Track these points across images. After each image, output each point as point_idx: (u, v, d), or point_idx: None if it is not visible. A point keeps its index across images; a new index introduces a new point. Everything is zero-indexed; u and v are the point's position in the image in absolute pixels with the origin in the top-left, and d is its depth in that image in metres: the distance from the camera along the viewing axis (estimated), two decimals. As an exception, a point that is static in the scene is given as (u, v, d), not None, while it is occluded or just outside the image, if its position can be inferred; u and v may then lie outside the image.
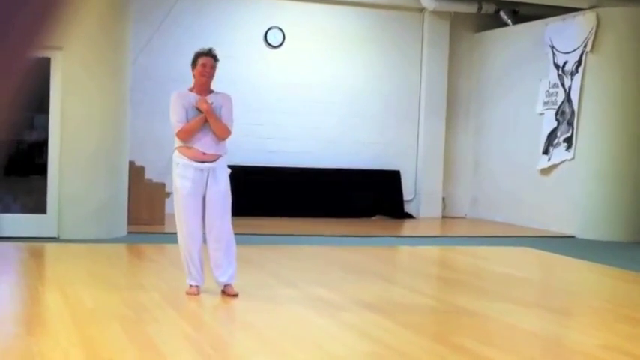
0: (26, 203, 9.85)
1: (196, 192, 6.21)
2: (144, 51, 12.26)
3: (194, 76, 6.37)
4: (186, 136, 6.23)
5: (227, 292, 6.40)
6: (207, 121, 6.24)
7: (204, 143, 6.23)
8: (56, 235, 9.48)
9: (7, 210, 9.65)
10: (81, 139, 9.50)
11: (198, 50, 6.44)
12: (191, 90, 6.40)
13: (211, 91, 6.40)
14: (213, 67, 6.34)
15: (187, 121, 6.24)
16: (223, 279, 6.39)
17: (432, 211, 14.20)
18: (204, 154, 6.23)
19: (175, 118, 6.28)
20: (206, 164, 6.22)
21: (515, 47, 13.61)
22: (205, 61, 6.31)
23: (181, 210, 6.24)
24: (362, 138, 13.82)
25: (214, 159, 6.26)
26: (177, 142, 6.30)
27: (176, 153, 6.30)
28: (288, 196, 13.07)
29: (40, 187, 9.57)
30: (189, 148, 6.23)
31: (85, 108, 9.51)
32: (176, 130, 6.27)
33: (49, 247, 9.04)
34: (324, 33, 13.57)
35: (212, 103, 6.29)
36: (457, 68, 14.45)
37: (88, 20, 9.35)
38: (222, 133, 6.28)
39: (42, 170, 9.56)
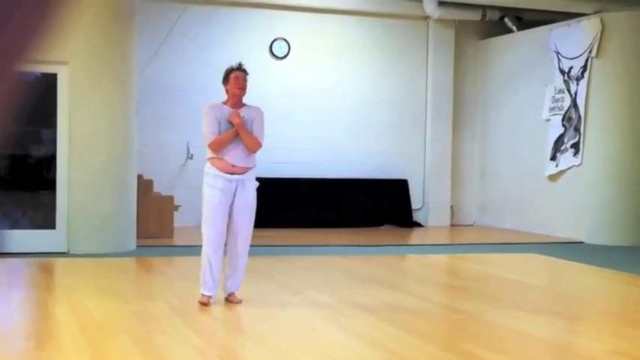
0: (35, 218, 9.88)
1: (225, 201, 6.39)
2: (150, 62, 12.31)
3: (227, 90, 6.59)
4: (218, 147, 6.41)
5: (231, 300, 6.56)
6: (238, 134, 6.42)
7: (234, 155, 6.42)
8: (66, 250, 9.50)
9: (16, 226, 9.68)
10: (89, 153, 9.53)
11: (229, 66, 6.65)
12: (224, 103, 6.59)
13: (243, 105, 6.60)
14: (245, 80, 6.58)
15: (219, 133, 6.42)
16: (233, 288, 6.57)
17: (440, 219, 14.20)
18: (233, 166, 6.41)
19: (208, 129, 6.46)
20: (235, 176, 6.41)
21: (521, 53, 13.61)
22: (238, 74, 6.56)
23: (209, 219, 6.41)
24: (369, 147, 13.83)
25: (243, 171, 6.45)
26: (210, 153, 6.48)
27: (208, 164, 6.49)
28: (295, 207, 13.08)
29: (48, 202, 9.60)
30: (220, 159, 6.41)
31: (93, 121, 9.54)
32: (208, 142, 6.44)
33: (59, 262, 9.06)
34: (329, 43, 13.60)
35: (244, 116, 6.49)
36: (463, 75, 14.47)
37: (94, 32, 9.39)
38: (253, 146, 6.48)
39: (50, 185, 9.59)
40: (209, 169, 6.44)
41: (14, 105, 0.74)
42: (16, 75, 0.73)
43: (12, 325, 6.03)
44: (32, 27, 0.72)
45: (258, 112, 6.60)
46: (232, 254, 6.53)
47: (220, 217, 6.39)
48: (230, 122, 6.44)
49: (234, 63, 6.71)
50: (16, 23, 0.71)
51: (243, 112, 6.52)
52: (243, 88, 6.54)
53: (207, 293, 6.44)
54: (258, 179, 6.68)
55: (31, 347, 5.22)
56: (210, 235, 6.41)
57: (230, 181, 6.38)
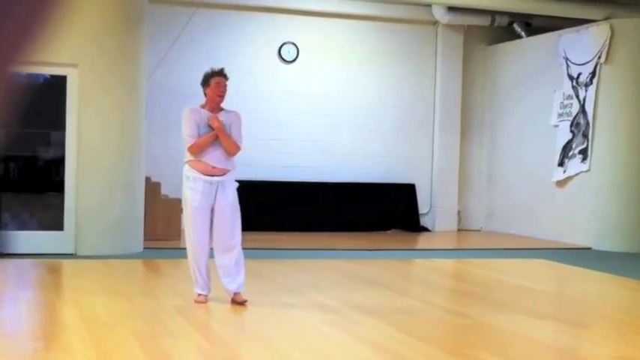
0: (43, 220, 9.91)
1: (205, 204, 6.48)
2: (158, 66, 12.33)
3: (206, 94, 6.64)
4: (198, 150, 6.51)
5: (236, 300, 6.61)
6: (217, 138, 6.51)
7: (213, 157, 6.51)
8: (73, 252, 9.54)
9: (24, 227, 9.72)
10: (97, 156, 9.57)
11: (210, 70, 6.72)
12: (203, 107, 6.65)
13: (222, 109, 6.67)
14: (225, 87, 6.65)
15: (199, 136, 6.51)
16: (233, 287, 6.61)
17: (447, 224, 14.19)
18: (213, 167, 6.50)
19: (188, 132, 6.56)
20: (215, 178, 6.49)
21: (529, 59, 13.61)
22: (219, 80, 6.61)
23: (190, 221, 6.54)
24: (376, 151, 13.84)
25: (223, 173, 6.53)
26: (188, 156, 6.58)
27: (186, 167, 6.59)
28: (301, 211, 13.07)
29: (56, 204, 9.63)
30: (199, 161, 6.51)
31: (101, 124, 9.58)
32: (188, 145, 6.54)
33: (66, 263, 9.09)
34: (338, 47, 13.62)
35: (223, 120, 6.56)
36: (471, 81, 14.47)
37: (103, 35, 9.43)
38: (232, 149, 6.57)
39: (59, 187, 9.63)
40: (189, 173, 6.53)
41: (8, 106, 0.74)
42: (10, 76, 0.73)
43: (20, 326, 6.05)
44: (26, 28, 0.72)
45: (237, 116, 6.67)
46: (220, 256, 6.57)
47: (202, 220, 6.47)
48: (209, 126, 6.51)
49: (215, 67, 6.74)
50: (10, 25, 0.71)
51: (221, 116, 6.59)
52: (222, 95, 6.61)
53: (201, 292, 6.64)
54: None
55: (38, 348, 5.24)
56: (193, 238, 6.52)
57: (211, 183, 6.46)
